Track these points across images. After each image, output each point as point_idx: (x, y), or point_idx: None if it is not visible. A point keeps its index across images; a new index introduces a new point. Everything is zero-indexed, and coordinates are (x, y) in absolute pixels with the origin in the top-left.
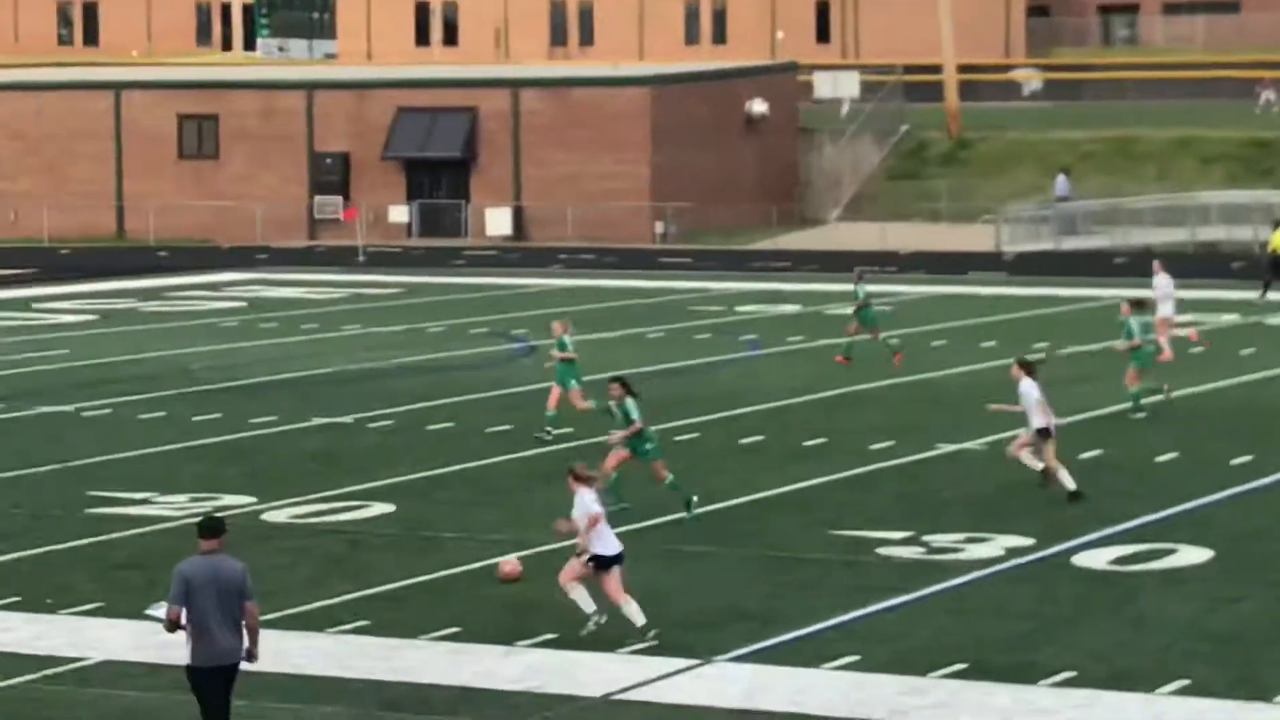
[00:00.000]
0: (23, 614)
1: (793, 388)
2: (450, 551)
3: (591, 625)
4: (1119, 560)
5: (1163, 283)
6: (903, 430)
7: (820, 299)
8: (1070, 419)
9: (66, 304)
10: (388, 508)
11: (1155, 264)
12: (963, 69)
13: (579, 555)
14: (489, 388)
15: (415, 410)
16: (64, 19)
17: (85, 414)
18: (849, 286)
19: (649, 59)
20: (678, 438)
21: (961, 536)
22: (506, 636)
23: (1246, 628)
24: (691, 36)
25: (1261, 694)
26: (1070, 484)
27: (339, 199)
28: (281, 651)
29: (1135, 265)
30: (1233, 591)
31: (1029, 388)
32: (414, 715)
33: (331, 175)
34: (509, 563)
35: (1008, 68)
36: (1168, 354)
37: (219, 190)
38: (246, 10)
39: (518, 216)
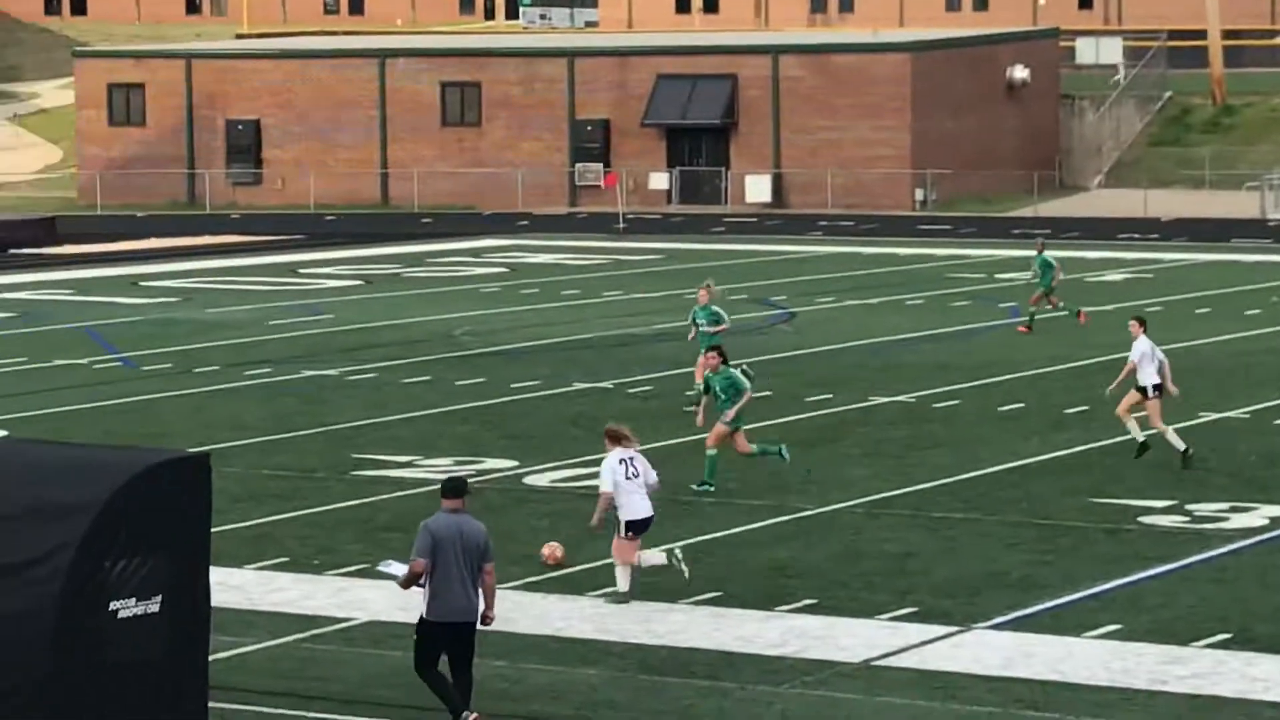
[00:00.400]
0: (291, 574)
1: (1052, 355)
2: (709, 516)
3: (612, 596)
4: None
5: None
6: (1165, 400)
7: (1081, 266)
8: None
9: (331, 269)
10: None
11: None
12: (1227, 34)
13: (621, 535)
14: (748, 354)
15: (675, 376)
16: None
17: (349, 378)
18: (1110, 254)
19: (909, 25)
20: (936, 405)
21: (1225, 505)
22: (766, 601)
23: None
24: (953, 3)
25: None
26: (1179, 444)
27: (599, 166)
28: (543, 614)
29: None
30: None
31: (1145, 345)
32: (675, 679)
33: (592, 142)
34: (550, 547)
35: (1273, 33)
36: None
37: (481, 157)
38: None
39: (777, 183)
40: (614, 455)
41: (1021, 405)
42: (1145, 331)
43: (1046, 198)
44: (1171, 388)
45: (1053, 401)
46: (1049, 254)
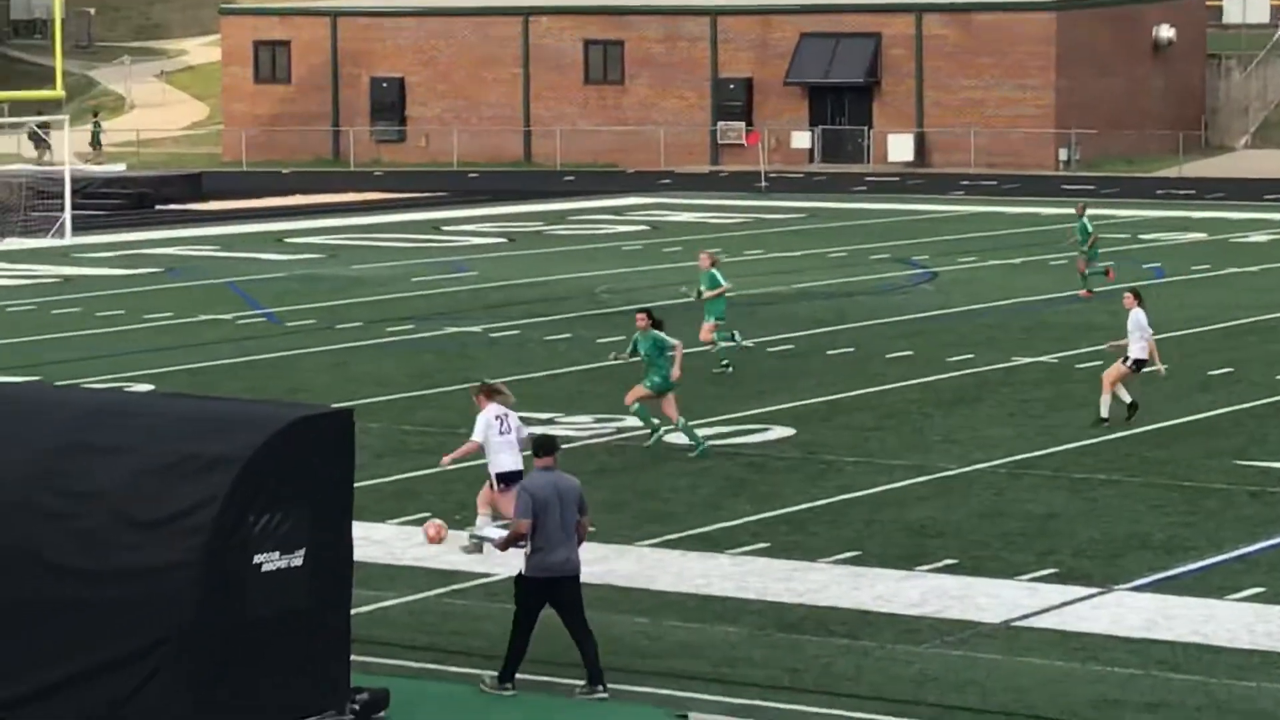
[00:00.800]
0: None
1: (1197, 316)
2: (849, 475)
3: (470, 542)
4: None
5: None
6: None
7: (1227, 227)
8: None
9: (474, 226)
10: (788, 431)
11: None
12: None
13: (493, 487)
14: (890, 313)
15: (816, 335)
16: None
17: (493, 334)
18: (1256, 215)
19: None
20: (1080, 365)
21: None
22: (905, 561)
23: None
24: None
25: None
26: (1127, 397)
27: (741, 124)
28: (682, 571)
29: None
30: None
31: (1140, 317)
32: (813, 637)
33: (734, 100)
34: (433, 526)
35: None
36: None
37: (623, 115)
38: None
39: (920, 142)
40: (489, 410)
41: (1165, 366)
42: (1140, 305)
43: (1192, 158)
44: (1159, 366)
45: (1197, 363)
46: (1087, 219)
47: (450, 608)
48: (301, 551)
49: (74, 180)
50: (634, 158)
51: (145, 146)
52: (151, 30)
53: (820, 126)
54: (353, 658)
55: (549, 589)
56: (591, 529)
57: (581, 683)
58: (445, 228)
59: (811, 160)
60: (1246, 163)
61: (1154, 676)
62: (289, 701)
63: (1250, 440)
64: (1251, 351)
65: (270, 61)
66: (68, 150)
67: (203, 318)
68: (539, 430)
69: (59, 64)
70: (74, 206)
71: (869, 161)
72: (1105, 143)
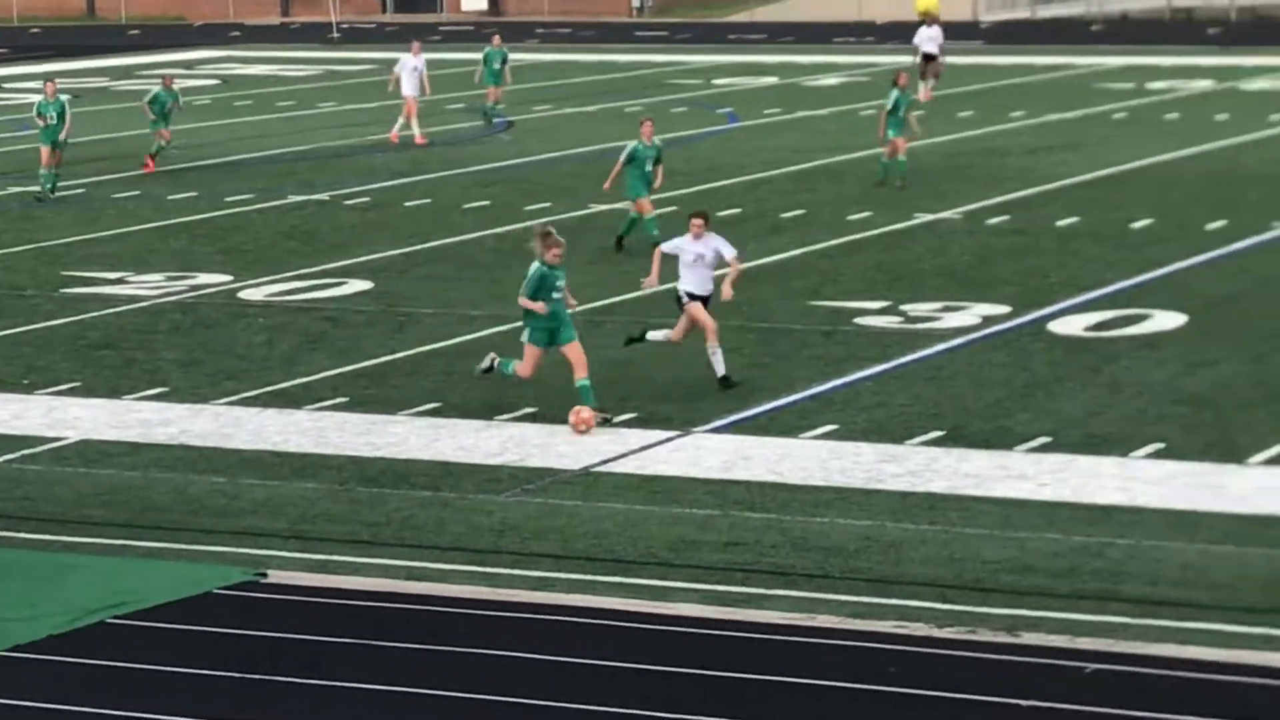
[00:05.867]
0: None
1: (769, 160)
2: (429, 327)
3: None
4: (1095, 326)
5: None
6: (880, 201)
7: (797, 71)
8: (1048, 185)
9: (38, 84)
10: (365, 285)
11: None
12: None
13: None
14: (466, 164)
15: (392, 187)
16: None
17: (59, 195)
18: (826, 58)
19: None
20: (657, 211)
21: (938, 306)
22: (486, 411)
23: (1220, 391)
24: None
25: (1234, 456)
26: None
27: None
28: (259, 428)
29: (1112, 33)
30: (1207, 355)
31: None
32: (394, 490)
33: None
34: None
35: None
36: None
37: None
38: None
39: None
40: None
41: (739, 210)
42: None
43: (762, 2)
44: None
45: (770, 206)
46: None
47: (19, 473)
48: None
49: None
50: (201, 10)
51: None
52: None
53: None
54: None
55: None
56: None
57: None
58: (7, 85)
59: (384, 10)
60: (816, 7)
61: (731, 516)
62: None
63: (823, 280)
64: (823, 194)
65: None
66: None
67: None
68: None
69: None
70: None
71: (442, 10)
72: None
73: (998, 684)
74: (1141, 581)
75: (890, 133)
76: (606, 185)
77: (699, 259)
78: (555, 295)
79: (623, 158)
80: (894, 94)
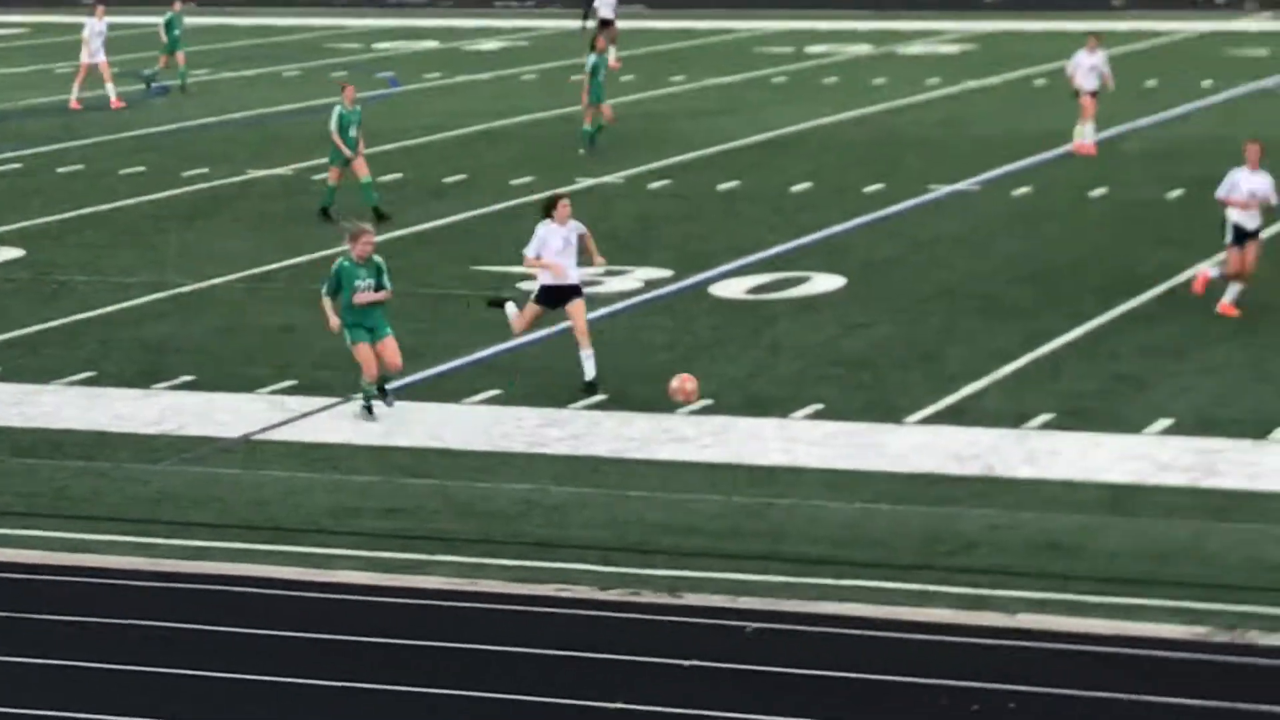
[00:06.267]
0: None
1: (431, 124)
2: (83, 295)
3: None
4: (755, 289)
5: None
6: (544, 166)
7: (458, 35)
8: (709, 150)
9: None
10: (17, 252)
11: None
12: None
13: None
14: (121, 129)
15: (45, 152)
16: None
17: None
18: (490, 23)
19: None
20: (317, 176)
21: (600, 270)
22: (143, 379)
23: (878, 353)
24: None
25: (891, 416)
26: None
27: None
28: None
29: None
30: (864, 317)
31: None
32: (48, 460)
33: None
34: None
35: None
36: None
37: None
38: None
39: None
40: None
41: (401, 175)
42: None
43: None
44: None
45: (432, 171)
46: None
47: None
48: None
49: None
50: None
51: None
52: None
53: None
54: None
55: None
56: None
57: None
58: None
59: None
60: None
61: (393, 482)
62: None
63: (486, 245)
64: (484, 158)
65: None
66: None
67: None
68: None
69: None
70: None
71: None
72: None
73: (660, 645)
74: (802, 541)
75: (593, 97)
76: (348, 155)
77: (567, 244)
78: (360, 286)
79: (335, 125)
80: (592, 58)
